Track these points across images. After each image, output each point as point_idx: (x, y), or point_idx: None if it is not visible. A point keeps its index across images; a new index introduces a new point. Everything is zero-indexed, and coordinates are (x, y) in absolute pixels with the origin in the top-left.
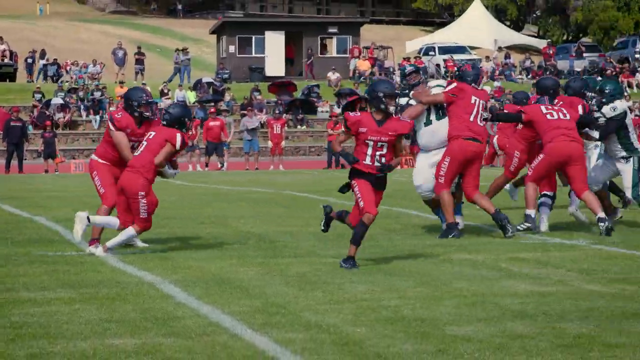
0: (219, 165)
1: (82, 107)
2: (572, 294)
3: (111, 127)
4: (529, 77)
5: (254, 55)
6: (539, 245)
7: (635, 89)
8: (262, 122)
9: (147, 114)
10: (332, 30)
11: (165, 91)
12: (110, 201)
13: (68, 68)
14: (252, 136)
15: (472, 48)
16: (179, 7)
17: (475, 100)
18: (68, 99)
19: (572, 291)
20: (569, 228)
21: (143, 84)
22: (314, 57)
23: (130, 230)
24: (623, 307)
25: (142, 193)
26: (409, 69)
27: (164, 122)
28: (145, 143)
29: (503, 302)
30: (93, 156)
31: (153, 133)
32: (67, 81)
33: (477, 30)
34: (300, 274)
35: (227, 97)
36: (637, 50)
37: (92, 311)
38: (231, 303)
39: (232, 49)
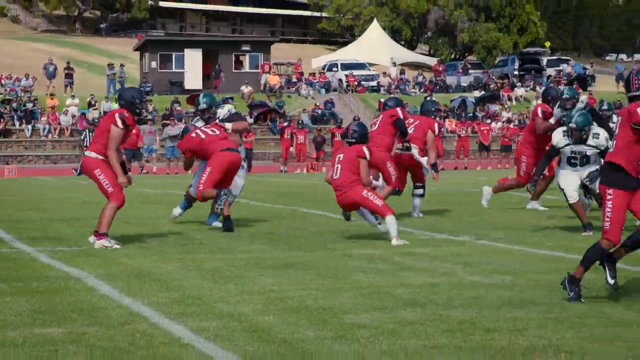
0: (140, 170)
1: (15, 117)
2: (457, 285)
3: (120, 124)
4: (422, 90)
5: (174, 70)
6: (429, 241)
7: (514, 102)
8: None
9: (144, 112)
10: (245, 48)
11: (93, 102)
12: (120, 199)
13: (2, 81)
14: (173, 143)
15: (371, 64)
16: (103, 26)
17: None
18: (2, 110)
19: (457, 282)
20: (456, 226)
21: (72, 96)
22: (229, 72)
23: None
24: (501, 296)
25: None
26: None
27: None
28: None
29: (396, 292)
30: (92, 154)
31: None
32: (1, 93)
33: (375, 48)
34: (214, 269)
35: (150, 108)
36: (516, 67)
37: (22, 303)
38: (151, 295)
39: (154, 64)
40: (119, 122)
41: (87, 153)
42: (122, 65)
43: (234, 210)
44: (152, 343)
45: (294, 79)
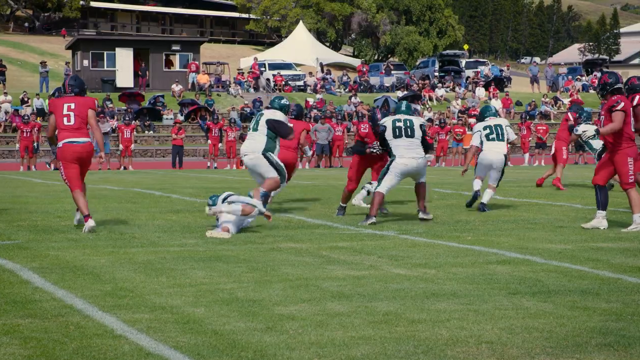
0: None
1: None
2: (382, 277)
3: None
4: (347, 90)
5: (105, 68)
6: (355, 235)
7: (435, 102)
8: (113, 127)
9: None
10: (175, 47)
11: (25, 99)
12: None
13: None
14: (104, 140)
15: (298, 65)
16: (37, 24)
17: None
18: None
19: (382, 275)
20: (380, 221)
21: (5, 93)
22: (160, 71)
23: None
24: (424, 288)
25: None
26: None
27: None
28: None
29: (323, 285)
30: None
31: None
32: None
33: (302, 49)
34: (146, 262)
35: None
36: (436, 69)
37: None
38: (84, 288)
39: (86, 62)
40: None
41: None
42: (43, 63)
43: (167, 204)
44: (86, 334)
45: (224, 79)
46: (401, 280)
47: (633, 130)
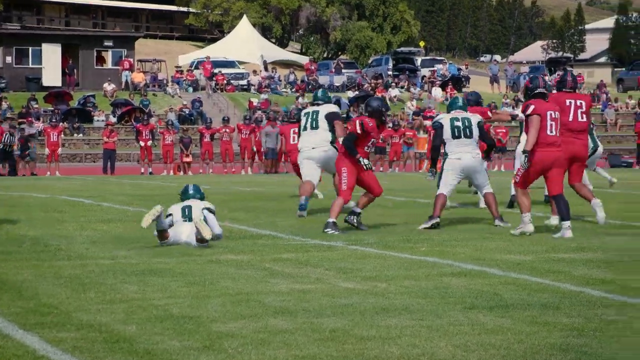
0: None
1: None
2: (329, 291)
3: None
4: (293, 90)
5: (30, 66)
6: (300, 246)
7: (389, 103)
8: (39, 130)
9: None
10: (107, 43)
11: None
12: None
13: None
14: (30, 143)
15: (241, 63)
16: None
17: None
18: None
19: (329, 288)
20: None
21: None
22: (91, 69)
23: None
24: (374, 303)
25: None
26: None
27: None
28: None
29: (266, 300)
30: None
31: None
32: None
33: (245, 46)
34: (73, 276)
35: (5, 105)
36: (390, 67)
37: None
38: (3, 304)
39: (9, 59)
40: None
41: None
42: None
43: (97, 213)
44: (4, 355)
45: (160, 77)
46: (350, 294)
47: (551, 133)
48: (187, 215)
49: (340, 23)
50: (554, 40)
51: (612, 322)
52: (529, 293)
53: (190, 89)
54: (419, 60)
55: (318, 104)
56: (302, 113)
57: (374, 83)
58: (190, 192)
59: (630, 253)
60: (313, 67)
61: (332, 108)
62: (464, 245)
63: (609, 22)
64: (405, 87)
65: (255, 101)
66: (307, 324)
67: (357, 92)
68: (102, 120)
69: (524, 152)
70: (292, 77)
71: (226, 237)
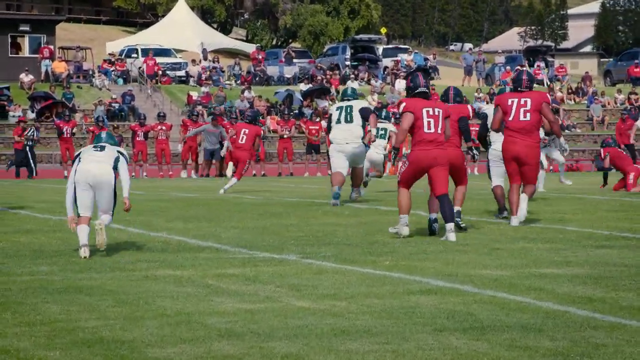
0: None
1: None
2: (281, 311)
3: None
4: (238, 82)
5: None
6: (247, 260)
7: None
8: None
9: None
10: (24, 28)
11: None
12: None
13: None
14: None
15: (178, 51)
16: None
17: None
18: None
19: (281, 308)
20: (280, 243)
21: None
22: (4, 57)
23: None
24: (332, 324)
25: None
26: None
27: None
28: None
29: (209, 321)
30: None
31: None
32: None
33: (183, 32)
34: None
35: None
36: (347, 57)
37: None
38: None
39: None
40: None
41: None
42: None
43: (13, 223)
44: None
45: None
46: (304, 314)
47: (429, 131)
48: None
49: (290, 6)
50: (533, 27)
51: (601, 345)
52: (507, 313)
53: (121, 81)
54: (380, 49)
55: (349, 100)
56: (335, 107)
57: (330, 74)
58: (103, 137)
59: (620, 268)
60: (260, 57)
61: (365, 103)
62: (434, 259)
63: (594, 6)
64: (365, 79)
65: (195, 95)
66: (255, 348)
67: (310, 85)
68: (18, 116)
69: (393, 149)
70: (236, 68)
71: (163, 250)
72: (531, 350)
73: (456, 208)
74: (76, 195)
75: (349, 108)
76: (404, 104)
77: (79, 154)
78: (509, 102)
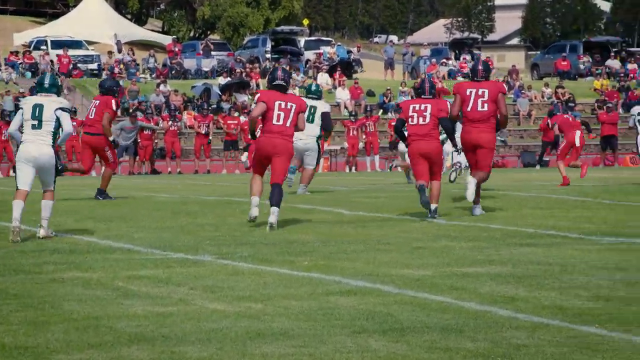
0: None
1: None
2: (195, 314)
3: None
4: (154, 76)
5: None
6: (160, 261)
7: None
8: None
9: None
10: None
11: None
12: None
13: None
14: None
15: (90, 43)
16: None
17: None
18: None
19: (195, 311)
20: (194, 242)
21: None
22: None
23: None
24: (248, 327)
25: None
26: None
27: None
28: None
29: (118, 325)
30: None
31: None
32: None
33: (95, 23)
34: None
35: None
36: (268, 49)
37: None
38: None
39: None
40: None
41: None
42: None
43: None
44: None
45: None
46: (219, 317)
47: (277, 123)
48: (37, 117)
49: None
50: (459, 19)
51: (523, 346)
52: (428, 314)
53: (29, 74)
54: (302, 42)
55: (313, 98)
56: None
57: (250, 68)
58: (46, 84)
59: (544, 266)
60: (177, 49)
61: (327, 107)
62: (354, 259)
63: None
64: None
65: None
66: (167, 353)
67: (229, 79)
68: None
69: (251, 137)
70: (151, 61)
71: (72, 252)
72: (452, 351)
73: (433, 205)
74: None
75: (312, 109)
76: (258, 95)
77: (20, 108)
78: (467, 92)
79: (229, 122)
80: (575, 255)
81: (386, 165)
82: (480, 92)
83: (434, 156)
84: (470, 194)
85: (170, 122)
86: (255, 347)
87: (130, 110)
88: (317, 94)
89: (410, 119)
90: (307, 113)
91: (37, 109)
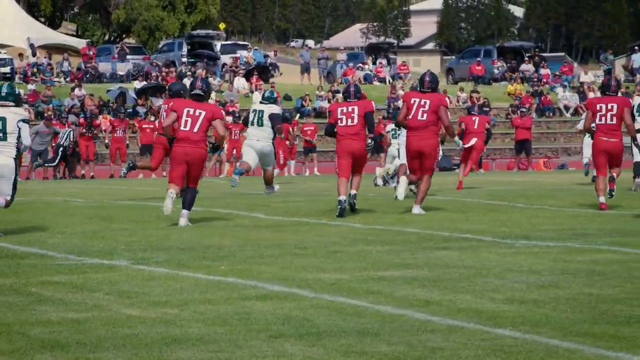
0: None
1: None
2: (110, 320)
3: None
4: (68, 80)
5: None
6: (75, 266)
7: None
8: None
9: None
10: None
11: None
12: None
13: None
14: None
15: (2, 46)
16: None
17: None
18: None
19: (110, 317)
20: (109, 248)
21: None
22: None
23: None
24: (163, 333)
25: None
26: None
27: None
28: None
29: (31, 332)
30: None
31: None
32: None
33: (7, 25)
34: None
35: None
36: (184, 53)
37: None
38: None
39: None
40: None
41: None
42: None
43: None
44: None
45: None
46: (134, 323)
47: (184, 128)
48: (1, 129)
49: (124, 0)
50: (375, 24)
51: (438, 349)
52: (344, 318)
53: None
54: (218, 46)
55: (264, 103)
56: (252, 109)
57: (166, 71)
58: (3, 93)
59: (459, 270)
60: (91, 53)
61: (276, 109)
62: (271, 263)
63: (436, 2)
64: (203, 76)
65: (21, 92)
66: (81, 359)
67: (145, 83)
68: None
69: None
70: (65, 64)
71: None
72: (367, 355)
73: (352, 191)
74: None
75: (260, 113)
76: (171, 103)
77: None
78: (412, 101)
79: (144, 126)
80: (490, 259)
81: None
82: (422, 102)
83: (359, 154)
84: (401, 193)
85: (84, 127)
86: (171, 352)
87: (45, 115)
88: (270, 100)
89: (339, 121)
90: (254, 117)
91: (0, 121)
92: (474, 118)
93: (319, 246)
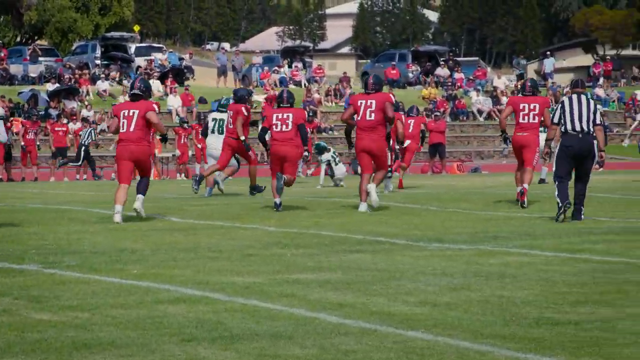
0: None
1: None
2: (19, 325)
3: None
4: None
5: None
6: None
7: (94, 98)
8: None
9: None
10: None
11: None
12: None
13: None
14: None
15: None
16: None
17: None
18: None
19: (19, 321)
20: (15, 251)
21: None
22: None
23: None
24: (74, 337)
25: None
26: None
27: None
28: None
29: None
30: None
31: None
32: None
33: None
34: None
35: None
36: (98, 55)
37: None
38: None
39: None
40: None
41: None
42: None
43: None
44: None
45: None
46: (44, 327)
47: (122, 130)
48: None
49: (36, 1)
50: (291, 27)
51: (351, 352)
52: (257, 321)
53: None
54: (132, 48)
55: (221, 111)
56: (211, 117)
57: (79, 74)
58: None
59: (372, 272)
60: (3, 54)
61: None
62: (184, 266)
63: (352, 6)
64: (117, 79)
65: None
66: None
67: (57, 85)
68: None
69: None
70: None
71: None
72: (280, 358)
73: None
74: None
75: (221, 121)
76: (114, 107)
77: None
78: (359, 103)
79: (57, 129)
80: (403, 261)
81: None
82: (369, 103)
83: (290, 157)
84: (375, 201)
85: None
86: (82, 357)
87: None
88: (226, 108)
89: (274, 126)
90: (214, 125)
91: None
92: (409, 121)
93: (233, 249)
